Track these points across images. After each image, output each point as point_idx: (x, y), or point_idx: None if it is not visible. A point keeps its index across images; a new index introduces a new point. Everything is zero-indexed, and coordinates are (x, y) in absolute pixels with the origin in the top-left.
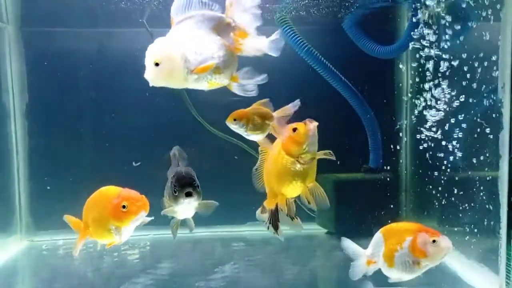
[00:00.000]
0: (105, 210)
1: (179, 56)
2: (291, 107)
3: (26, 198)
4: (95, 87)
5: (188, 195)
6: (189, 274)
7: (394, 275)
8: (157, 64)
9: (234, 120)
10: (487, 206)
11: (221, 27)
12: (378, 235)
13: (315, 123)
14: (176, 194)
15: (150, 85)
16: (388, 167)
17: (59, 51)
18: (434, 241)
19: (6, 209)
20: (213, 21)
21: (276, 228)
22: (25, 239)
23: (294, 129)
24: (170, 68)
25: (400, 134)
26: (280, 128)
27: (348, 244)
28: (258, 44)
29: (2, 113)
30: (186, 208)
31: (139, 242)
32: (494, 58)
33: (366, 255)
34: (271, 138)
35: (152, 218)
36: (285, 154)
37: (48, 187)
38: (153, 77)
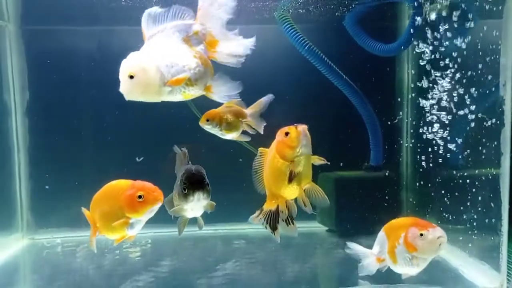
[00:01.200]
0: (118, 202)
1: (153, 69)
2: (264, 102)
3: (27, 196)
4: (95, 84)
5: (198, 188)
6: (191, 272)
7: (400, 270)
8: (131, 77)
9: (207, 120)
10: (488, 204)
11: (193, 37)
12: (381, 233)
13: (305, 126)
14: (186, 192)
15: (126, 99)
16: (389, 165)
17: (60, 49)
18: (421, 234)
19: (7, 207)
20: (184, 31)
21: (274, 228)
22: (26, 237)
23: (286, 133)
24: (144, 81)
25: (399, 126)
26: (257, 123)
27: (354, 247)
28: (230, 50)
29: (3, 111)
30: (195, 206)
31: (140, 239)
32: (495, 55)
33: (374, 254)
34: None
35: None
36: (280, 158)
37: (47, 186)
38: (128, 90)
